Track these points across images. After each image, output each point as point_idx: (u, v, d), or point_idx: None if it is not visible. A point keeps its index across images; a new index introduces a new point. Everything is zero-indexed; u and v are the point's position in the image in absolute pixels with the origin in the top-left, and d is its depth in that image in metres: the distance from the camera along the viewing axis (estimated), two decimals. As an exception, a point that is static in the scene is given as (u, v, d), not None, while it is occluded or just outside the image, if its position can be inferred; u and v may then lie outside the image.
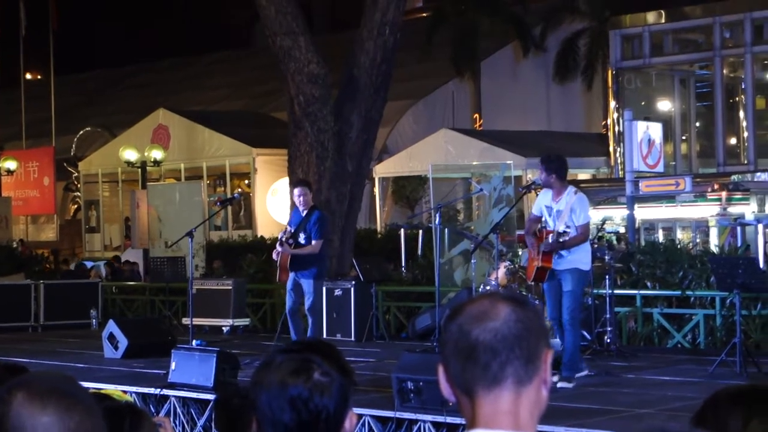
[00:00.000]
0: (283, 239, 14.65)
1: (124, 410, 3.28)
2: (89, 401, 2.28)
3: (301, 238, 14.68)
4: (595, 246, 15.90)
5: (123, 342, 16.37)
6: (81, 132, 41.06)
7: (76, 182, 38.25)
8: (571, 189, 12.83)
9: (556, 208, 12.65)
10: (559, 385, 12.11)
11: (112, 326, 16.72)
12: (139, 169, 31.16)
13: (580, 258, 12.66)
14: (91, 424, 2.23)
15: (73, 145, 40.27)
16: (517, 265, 16.15)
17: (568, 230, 12.40)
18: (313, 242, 14.65)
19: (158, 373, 13.91)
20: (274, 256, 14.89)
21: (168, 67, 51.00)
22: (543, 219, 12.81)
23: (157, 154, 31.12)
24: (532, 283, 13.67)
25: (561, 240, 12.38)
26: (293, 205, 15.59)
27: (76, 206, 40.22)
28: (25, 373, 2.73)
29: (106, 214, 36.71)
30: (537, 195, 13.35)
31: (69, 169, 38.15)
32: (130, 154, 31.12)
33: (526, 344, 2.38)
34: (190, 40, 58.06)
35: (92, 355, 16.73)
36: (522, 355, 2.38)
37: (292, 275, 14.71)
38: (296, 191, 15.05)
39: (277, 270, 15.14)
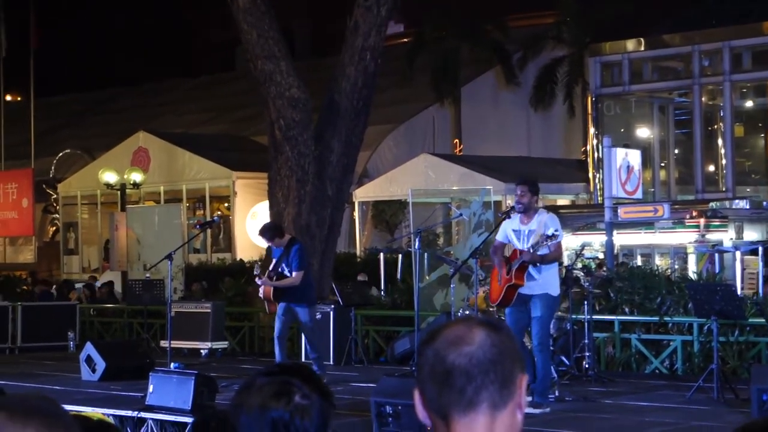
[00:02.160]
0: (257, 273, 14.80)
1: (96, 427, 3.29)
2: (70, 420, 2.29)
3: (285, 271, 14.83)
4: (575, 272, 15.95)
5: (101, 364, 16.31)
6: (60, 154, 40.99)
7: (54, 204, 38.14)
8: (541, 210, 12.81)
9: (527, 229, 12.52)
10: (526, 411, 11.99)
11: (89, 348, 16.66)
12: (119, 192, 31.08)
13: (551, 282, 12.56)
14: None
15: (53, 167, 40.18)
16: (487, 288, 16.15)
17: (557, 233, 12.26)
18: (294, 274, 14.78)
19: (136, 396, 13.86)
20: (261, 293, 15.04)
21: (148, 90, 51.00)
22: (511, 243, 12.75)
23: (136, 176, 31.07)
24: (496, 306, 13.38)
25: (541, 250, 12.23)
26: None
27: (54, 228, 40.09)
28: (4, 395, 2.73)
29: (84, 236, 36.60)
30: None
31: (48, 191, 38.05)
32: (110, 177, 31.05)
33: (501, 369, 2.40)
34: (170, 64, 58.11)
35: (69, 378, 16.66)
36: (497, 380, 2.39)
37: (283, 304, 14.79)
38: (264, 239, 15.30)
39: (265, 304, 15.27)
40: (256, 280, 14.99)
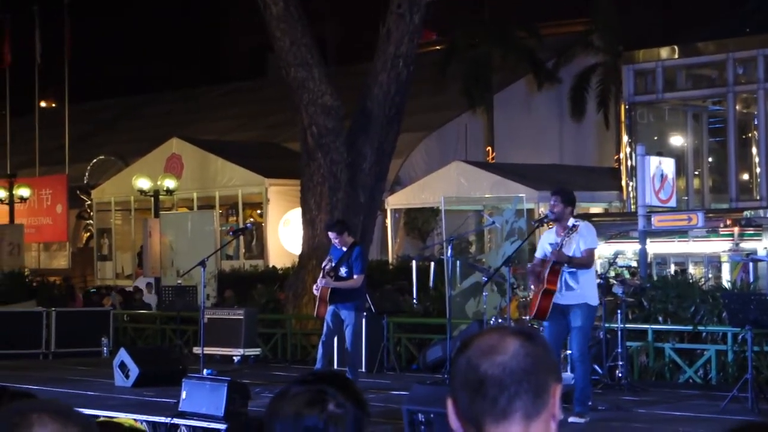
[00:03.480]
0: (327, 269, 14.64)
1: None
2: (86, 421, 2.34)
3: (342, 272, 14.64)
4: (611, 281, 15.88)
5: (134, 370, 16.38)
6: (94, 160, 41.22)
7: (88, 210, 38.35)
8: (576, 220, 12.66)
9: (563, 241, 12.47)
10: (570, 420, 12.01)
11: (123, 354, 16.73)
12: (152, 198, 31.23)
13: (590, 293, 12.49)
14: None
15: (86, 173, 40.40)
16: (528, 298, 16.11)
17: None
18: (355, 276, 14.62)
19: (169, 402, 13.90)
20: (315, 290, 14.83)
21: (181, 97, 51.21)
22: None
23: (169, 183, 31.20)
24: (534, 319, 13.15)
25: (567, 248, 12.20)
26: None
27: (88, 234, 40.32)
28: (34, 400, 2.80)
29: (118, 242, 36.77)
30: (549, 229, 13.07)
31: (82, 197, 38.27)
32: (143, 183, 31.20)
33: (534, 378, 2.39)
34: (203, 71, 58.34)
35: (103, 384, 16.74)
36: (530, 389, 2.38)
37: (332, 307, 14.65)
38: (330, 235, 14.97)
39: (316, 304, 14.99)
40: (319, 280, 14.71)
